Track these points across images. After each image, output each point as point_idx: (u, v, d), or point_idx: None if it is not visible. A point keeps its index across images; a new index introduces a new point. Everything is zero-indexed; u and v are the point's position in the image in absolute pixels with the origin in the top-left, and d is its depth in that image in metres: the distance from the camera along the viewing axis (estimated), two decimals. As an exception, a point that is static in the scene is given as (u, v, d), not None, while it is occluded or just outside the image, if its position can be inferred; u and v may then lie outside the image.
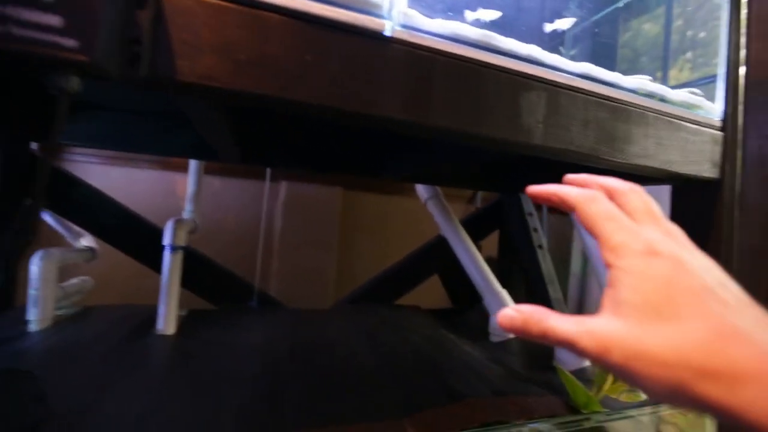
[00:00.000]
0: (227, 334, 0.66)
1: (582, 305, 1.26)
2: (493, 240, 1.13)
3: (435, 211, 0.96)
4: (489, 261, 0.95)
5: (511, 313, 0.22)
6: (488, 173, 0.96)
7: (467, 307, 0.98)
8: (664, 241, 0.21)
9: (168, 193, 1.17)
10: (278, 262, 1.18)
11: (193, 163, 0.80)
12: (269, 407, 0.44)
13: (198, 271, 0.80)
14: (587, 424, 0.48)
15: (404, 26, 0.38)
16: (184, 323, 0.70)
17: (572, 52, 0.81)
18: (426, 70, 0.38)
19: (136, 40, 0.29)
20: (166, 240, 0.64)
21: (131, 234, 0.78)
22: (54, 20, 0.25)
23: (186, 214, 0.78)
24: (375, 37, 0.36)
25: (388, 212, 1.36)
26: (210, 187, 1.18)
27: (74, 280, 0.72)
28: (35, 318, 0.60)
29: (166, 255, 0.64)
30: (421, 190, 0.98)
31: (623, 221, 0.22)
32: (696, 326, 0.17)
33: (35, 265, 0.60)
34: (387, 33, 0.37)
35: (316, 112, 0.35)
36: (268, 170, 1.10)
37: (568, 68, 0.45)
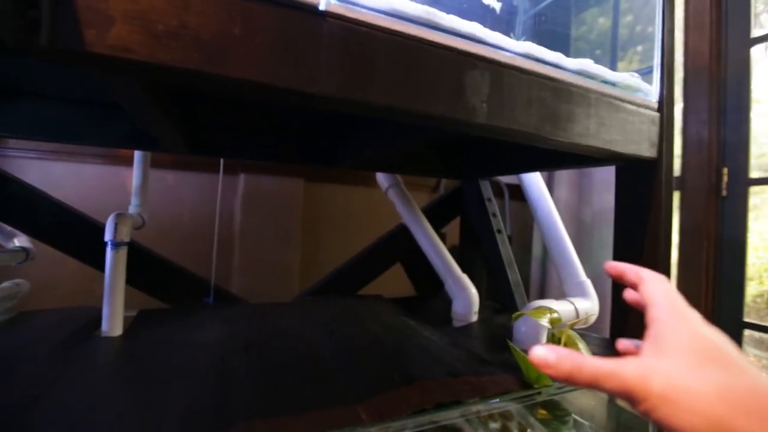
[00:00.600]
0: (179, 333, 0.63)
1: (543, 287, 1.30)
2: (457, 226, 1.14)
3: (396, 199, 0.95)
4: (453, 249, 0.96)
5: (545, 352, 0.23)
6: (446, 160, 0.96)
7: (430, 294, 0.99)
8: (702, 320, 0.24)
9: (117, 188, 1.11)
10: (240, 257, 1.15)
11: (138, 155, 0.76)
12: (219, 403, 0.42)
13: (147, 268, 0.76)
14: (539, 398, 0.49)
15: (341, 0, 0.37)
16: (132, 324, 0.66)
17: (523, 39, 0.82)
18: (364, 47, 0.37)
19: (33, 3, 0.26)
20: (108, 236, 0.60)
21: (71, 232, 0.73)
22: None
23: (132, 209, 0.74)
24: (309, 10, 0.35)
25: (351, 203, 1.35)
26: (163, 182, 1.13)
27: (7, 284, 0.67)
28: (-43, 325, 0.55)
29: (109, 252, 0.60)
30: (381, 179, 0.98)
31: (677, 299, 0.25)
32: (740, 376, 0.20)
33: (-45, 267, 0.55)
34: (322, 7, 0.36)
35: (244, 89, 0.33)
36: (222, 162, 1.06)
37: (511, 47, 0.46)
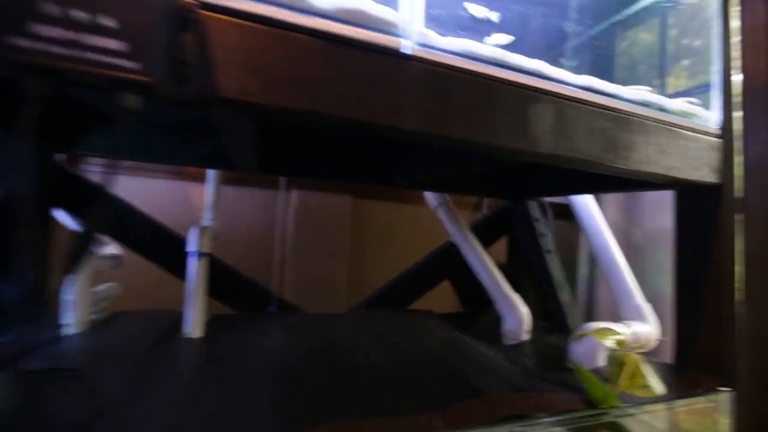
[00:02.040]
0: (251, 338, 0.69)
1: (591, 308, 1.28)
2: (499, 246, 1.15)
3: (445, 218, 0.99)
4: (498, 267, 0.97)
5: None
6: (496, 180, 0.99)
7: (479, 311, 1.00)
8: None
9: (183, 202, 1.20)
10: (290, 270, 1.21)
11: (211, 173, 0.84)
12: (300, 405, 0.46)
13: (218, 277, 0.83)
14: (605, 419, 0.49)
15: (421, 44, 0.41)
16: (209, 327, 0.72)
17: (572, 63, 0.84)
18: (443, 85, 0.41)
19: (183, 60, 0.32)
20: (191, 247, 0.67)
21: (154, 242, 0.81)
22: (117, 44, 0.27)
23: (206, 222, 0.81)
24: (394, 54, 0.40)
25: (397, 220, 1.39)
26: (223, 197, 1.21)
27: (102, 287, 0.75)
28: (70, 322, 0.63)
29: (192, 262, 0.67)
30: (430, 197, 1.01)
31: None
32: None
33: (68, 272, 0.63)
34: (406, 51, 0.40)
35: (341, 125, 0.38)
36: (282, 179, 1.14)
37: (572, 81, 0.49)
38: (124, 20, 0.27)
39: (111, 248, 0.78)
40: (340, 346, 0.68)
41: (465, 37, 0.44)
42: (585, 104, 0.48)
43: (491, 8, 0.58)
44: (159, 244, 0.81)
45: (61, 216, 0.79)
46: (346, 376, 0.55)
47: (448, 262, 1.00)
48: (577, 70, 0.49)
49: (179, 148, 0.78)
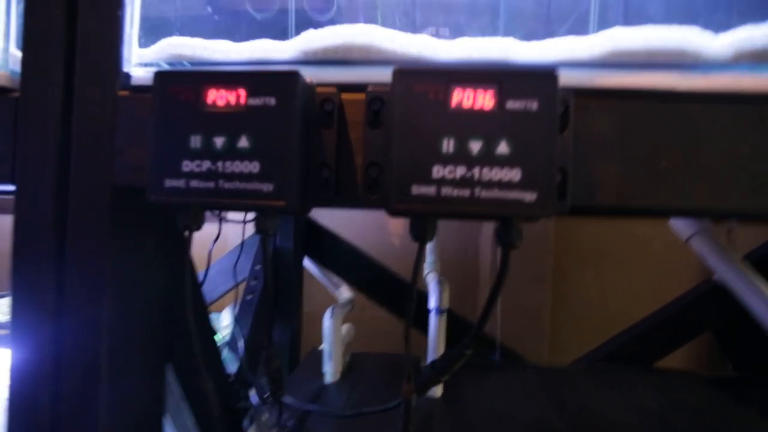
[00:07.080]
0: (492, 399, 0.64)
1: None
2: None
3: (705, 250, 0.77)
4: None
5: None
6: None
7: (763, 377, 0.76)
8: None
9: (379, 228, 1.24)
10: (486, 297, 1.15)
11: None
12: None
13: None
14: None
15: None
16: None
17: None
18: None
19: (565, 170, 0.26)
20: (433, 303, 0.65)
21: (381, 285, 0.84)
22: (254, 167, 0.25)
23: (429, 266, 0.80)
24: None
25: (605, 237, 1.19)
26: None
27: (344, 329, 0.81)
28: (330, 371, 0.68)
29: (432, 318, 0.65)
30: (680, 226, 0.81)
31: None
32: None
33: (327, 322, 0.68)
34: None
35: None
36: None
37: None
38: (258, 144, 0.25)
39: (347, 291, 0.83)
40: (598, 418, 0.58)
41: None
42: None
43: None
44: (383, 287, 0.84)
45: (306, 263, 0.87)
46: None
47: (711, 309, 0.78)
48: None
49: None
